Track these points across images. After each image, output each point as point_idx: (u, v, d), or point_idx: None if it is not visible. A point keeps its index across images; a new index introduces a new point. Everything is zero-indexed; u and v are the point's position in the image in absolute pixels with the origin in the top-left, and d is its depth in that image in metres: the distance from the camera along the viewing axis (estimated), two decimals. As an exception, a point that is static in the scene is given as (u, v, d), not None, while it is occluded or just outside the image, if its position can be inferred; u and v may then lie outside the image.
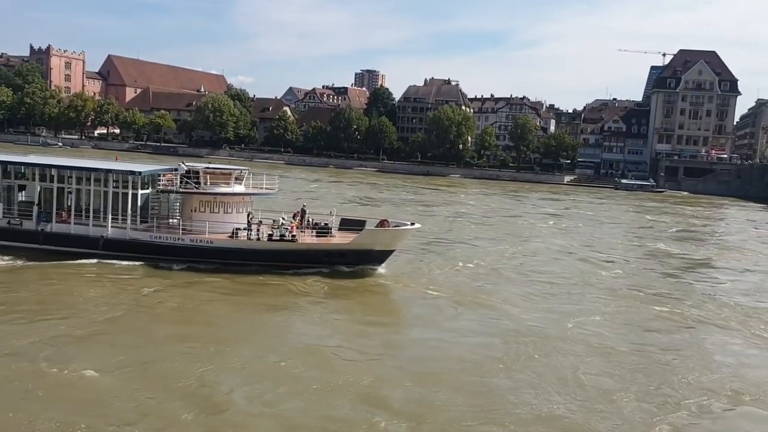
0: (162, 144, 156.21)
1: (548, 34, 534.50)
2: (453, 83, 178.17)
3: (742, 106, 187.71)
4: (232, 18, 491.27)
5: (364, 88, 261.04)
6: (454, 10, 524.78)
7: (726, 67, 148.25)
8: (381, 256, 31.04)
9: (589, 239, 50.32)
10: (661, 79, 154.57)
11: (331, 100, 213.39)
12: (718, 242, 55.70)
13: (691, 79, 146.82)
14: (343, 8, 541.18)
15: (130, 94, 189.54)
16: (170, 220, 32.38)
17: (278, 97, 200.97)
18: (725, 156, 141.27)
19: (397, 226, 31.60)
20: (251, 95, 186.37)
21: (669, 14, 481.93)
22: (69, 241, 29.87)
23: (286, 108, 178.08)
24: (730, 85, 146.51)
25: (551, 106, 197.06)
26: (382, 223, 31.26)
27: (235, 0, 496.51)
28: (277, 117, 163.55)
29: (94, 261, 28.97)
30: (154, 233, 30.25)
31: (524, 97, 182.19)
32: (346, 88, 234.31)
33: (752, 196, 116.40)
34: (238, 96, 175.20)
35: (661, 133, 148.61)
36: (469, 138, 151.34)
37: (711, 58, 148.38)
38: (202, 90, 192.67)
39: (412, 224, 32.39)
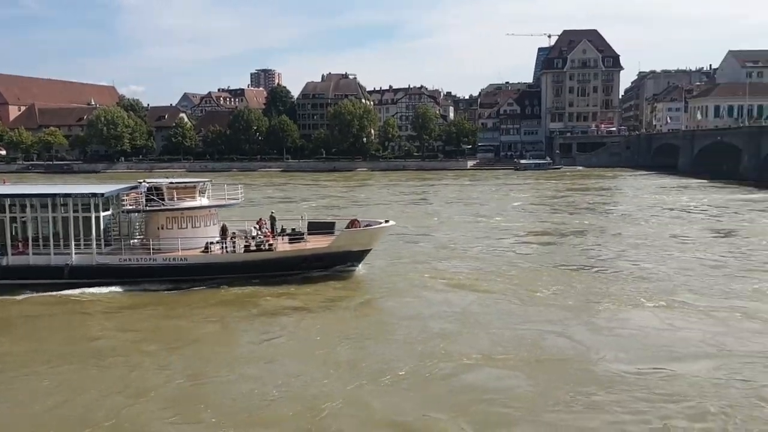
0: (54, 162, 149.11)
1: (440, 24, 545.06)
2: (351, 77, 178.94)
3: (626, 80, 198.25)
4: (119, 27, 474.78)
5: (261, 89, 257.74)
6: (343, 5, 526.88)
7: (608, 44, 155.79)
8: (359, 257, 30.97)
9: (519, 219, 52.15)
10: (548, 60, 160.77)
11: (228, 103, 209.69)
12: (615, 209, 58.94)
13: (577, 57, 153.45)
14: (232, 11, 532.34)
15: (13, 112, 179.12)
16: (132, 241, 31.18)
17: (173, 105, 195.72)
18: (614, 129, 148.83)
19: (369, 225, 31.49)
20: (145, 104, 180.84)
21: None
22: (30, 273, 28.10)
23: (182, 115, 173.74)
24: (613, 61, 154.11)
25: (449, 94, 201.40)
26: (353, 223, 30.99)
27: (120, 9, 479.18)
28: (174, 124, 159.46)
29: (61, 291, 27.21)
30: (123, 255, 29.05)
31: (422, 87, 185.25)
32: (243, 89, 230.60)
33: (641, 165, 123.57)
34: (132, 106, 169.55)
35: (554, 112, 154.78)
36: (372, 131, 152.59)
37: (593, 37, 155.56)
38: (93, 103, 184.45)
39: (387, 222, 32.34)
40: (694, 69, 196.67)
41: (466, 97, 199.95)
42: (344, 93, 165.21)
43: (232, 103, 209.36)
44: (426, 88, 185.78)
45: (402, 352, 20.24)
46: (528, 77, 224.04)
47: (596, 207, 62.30)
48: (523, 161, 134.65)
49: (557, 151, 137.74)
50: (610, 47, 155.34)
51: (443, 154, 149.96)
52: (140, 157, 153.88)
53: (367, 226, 31.17)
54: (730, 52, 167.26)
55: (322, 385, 17.69)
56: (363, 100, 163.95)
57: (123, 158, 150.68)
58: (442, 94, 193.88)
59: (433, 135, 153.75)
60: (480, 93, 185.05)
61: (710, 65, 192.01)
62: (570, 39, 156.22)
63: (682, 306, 25.03)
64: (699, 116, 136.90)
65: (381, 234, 32.13)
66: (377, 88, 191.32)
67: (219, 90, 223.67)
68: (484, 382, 17.91)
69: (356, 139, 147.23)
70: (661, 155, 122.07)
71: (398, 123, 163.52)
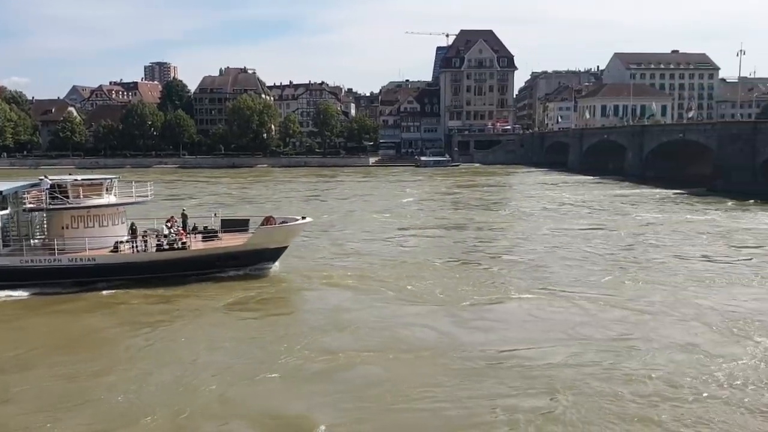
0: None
1: (340, 20, 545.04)
2: (250, 72, 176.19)
3: (520, 80, 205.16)
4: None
5: (155, 82, 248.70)
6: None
7: (502, 44, 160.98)
8: (275, 255, 30.19)
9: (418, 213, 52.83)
10: (446, 59, 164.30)
11: (120, 97, 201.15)
12: (503, 204, 61.15)
13: (473, 57, 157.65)
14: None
15: None
16: (32, 241, 29.04)
17: (61, 98, 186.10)
18: (509, 127, 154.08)
19: (285, 222, 30.76)
20: (29, 97, 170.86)
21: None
22: None
23: (71, 108, 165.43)
24: (507, 61, 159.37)
25: (350, 91, 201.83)
26: (268, 221, 30.21)
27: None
28: (62, 119, 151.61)
29: None
30: (25, 257, 27.00)
31: (323, 83, 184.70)
32: (136, 82, 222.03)
33: (535, 162, 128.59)
34: (14, 99, 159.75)
35: (452, 111, 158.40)
36: (273, 126, 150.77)
37: (489, 37, 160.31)
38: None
39: (303, 218, 31.70)
40: (583, 70, 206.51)
41: (368, 94, 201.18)
42: (243, 88, 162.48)
43: (125, 96, 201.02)
44: (327, 84, 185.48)
45: (282, 350, 20.13)
46: (428, 75, 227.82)
47: (486, 202, 64.20)
48: (423, 158, 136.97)
49: (456, 149, 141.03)
50: (504, 48, 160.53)
51: (345, 150, 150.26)
52: (25, 153, 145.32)
53: (282, 223, 30.57)
54: (615, 54, 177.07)
55: (194, 386, 17.36)
56: (263, 96, 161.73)
57: (5, 154, 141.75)
58: (343, 90, 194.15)
59: (334, 131, 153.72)
60: (381, 90, 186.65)
61: (597, 66, 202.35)
62: (467, 39, 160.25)
63: (549, 296, 25.97)
64: (587, 115, 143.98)
65: (298, 231, 31.71)
66: (277, 84, 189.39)
67: (111, 83, 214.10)
68: (348, 377, 17.95)
69: (256, 135, 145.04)
70: (553, 153, 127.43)
71: (299, 119, 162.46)
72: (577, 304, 24.60)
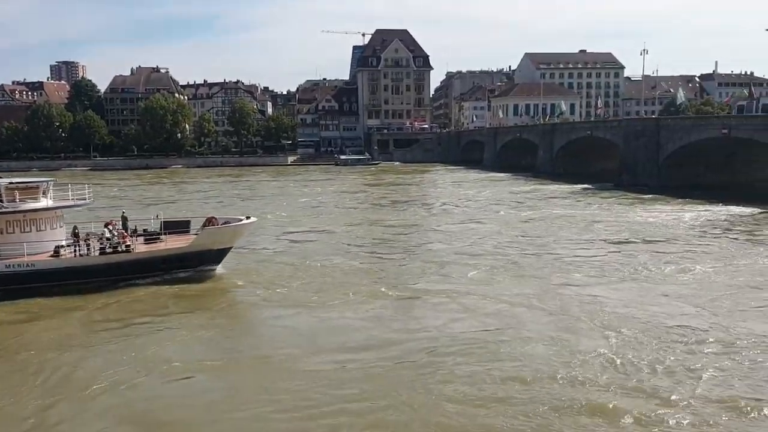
0: None
1: (257, 18, 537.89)
2: (163, 71, 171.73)
3: (436, 79, 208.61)
4: None
5: (63, 82, 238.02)
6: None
7: (418, 44, 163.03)
8: (219, 256, 29.61)
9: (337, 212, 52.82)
10: (363, 58, 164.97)
11: (24, 97, 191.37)
12: (412, 201, 62.24)
13: (390, 56, 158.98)
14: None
15: None
16: None
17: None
18: (427, 126, 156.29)
19: (227, 223, 30.14)
20: None
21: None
22: None
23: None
24: (423, 61, 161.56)
25: (266, 89, 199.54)
26: (210, 221, 29.72)
27: None
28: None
29: None
30: None
31: (238, 81, 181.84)
32: (42, 82, 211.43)
33: (452, 160, 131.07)
34: None
35: (370, 109, 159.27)
36: (187, 126, 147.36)
37: (404, 37, 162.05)
38: None
39: (248, 218, 31.10)
40: (496, 70, 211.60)
41: (285, 92, 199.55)
42: (156, 87, 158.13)
43: (30, 97, 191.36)
44: (243, 83, 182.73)
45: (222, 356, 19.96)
46: (345, 74, 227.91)
47: (400, 200, 64.59)
48: (342, 157, 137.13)
49: (376, 147, 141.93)
50: (420, 47, 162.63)
51: (263, 149, 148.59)
52: None
53: (225, 223, 30.11)
54: (526, 54, 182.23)
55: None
56: (176, 95, 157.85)
57: None
58: (259, 88, 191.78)
59: (251, 130, 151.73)
60: (298, 89, 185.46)
61: (510, 66, 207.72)
62: (383, 38, 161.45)
63: (430, 293, 26.16)
64: (501, 114, 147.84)
65: (243, 231, 31.21)
66: (191, 83, 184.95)
67: (14, 83, 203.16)
68: (182, 387, 17.58)
69: (170, 135, 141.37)
70: (469, 151, 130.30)
71: (215, 118, 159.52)
72: (456, 300, 24.85)
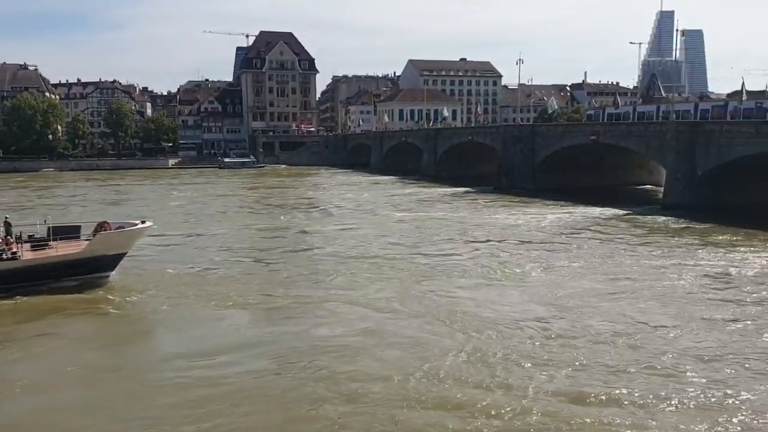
0: None
1: (135, 16, 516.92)
2: (31, 68, 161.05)
3: (322, 83, 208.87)
4: None
5: None
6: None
7: (303, 47, 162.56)
8: (114, 261, 28.19)
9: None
10: (247, 59, 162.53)
11: None
12: (289, 203, 62.44)
13: (274, 59, 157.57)
14: None
15: None
16: None
17: None
18: (313, 129, 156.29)
19: (121, 227, 28.60)
20: None
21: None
22: None
23: None
24: (309, 64, 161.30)
25: (145, 89, 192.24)
26: (102, 226, 28.18)
27: None
28: None
29: None
30: None
31: (115, 81, 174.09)
32: None
33: (339, 163, 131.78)
34: None
35: (255, 112, 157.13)
36: (59, 127, 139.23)
37: (289, 39, 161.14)
38: None
39: (143, 222, 29.62)
40: (381, 75, 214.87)
41: (165, 93, 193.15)
42: (24, 85, 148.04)
43: None
44: (120, 83, 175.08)
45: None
46: (228, 75, 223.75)
47: (281, 202, 64.81)
48: (227, 159, 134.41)
49: (261, 150, 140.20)
50: (305, 50, 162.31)
51: (142, 152, 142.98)
52: None
53: (119, 228, 28.73)
54: (410, 60, 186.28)
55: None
56: (47, 94, 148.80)
57: None
58: (138, 89, 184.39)
59: (129, 132, 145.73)
60: (179, 89, 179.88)
61: (394, 72, 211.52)
62: (267, 40, 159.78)
63: (282, 304, 25.79)
64: (386, 119, 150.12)
65: (139, 236, 30.04)
66: (64, 81, 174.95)
67: None
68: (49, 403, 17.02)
69: (40, 137, 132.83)
70: (356, 154, 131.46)
71: (90, 119, 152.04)
72: (322, 306, 24.98)
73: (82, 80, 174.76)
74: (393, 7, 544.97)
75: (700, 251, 35.08)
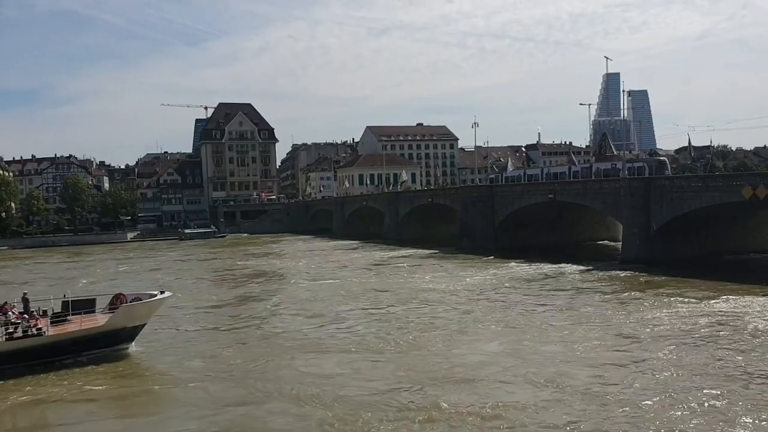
0: None
1: (85, 91, 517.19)
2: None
3: (282, 151, 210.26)
4: None
5: None
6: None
7: (262, 117, 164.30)
8: (133, 333, 28.28)
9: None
10: (206, 131, 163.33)
11: None
12: (248, 271, 61.90)
13: (234, 129, 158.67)
14: None
15: None
16: None
17: None
18: (274, 197, 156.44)
19: (138, 299, 28.59)
20: None
21: (205, 71, 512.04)
22: None
23: None
24: (268, 134, 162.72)
25: (102, 163, 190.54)
26: (119, 298, 28.43)
27: None
28: None
29: None
30: None
31: (71, 156, 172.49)
32: None
33: (301, 230, 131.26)
34: None
35: (215, 182, 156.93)
36: (13, 204, 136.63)
37: (248, 110, 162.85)
38: None
39: (162, 293, 29.77)
40: (340, 142, 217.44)
41: (122, 166, 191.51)
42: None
43: None
44: (76, 158, 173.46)
45: None
46: (187, 147, 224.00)
47: (242, 272, 63.69)
48: (187, 231, 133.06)
49: (222, 220, 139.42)
50: (264, 120, 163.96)
51: (100, 226, 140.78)
52: None
53: (135, 299, 28.77)
54: (368, 127, 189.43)
55: None
56: (1, 172, 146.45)
57: None
58: (94, 163, 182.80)
59: (86, 207, 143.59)
60: (138, 162, 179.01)
61: (353, 138, 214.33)
62: (226, 111, 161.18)
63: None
64: (347, 184, 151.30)
65: (158, 307, 30.12)
66: (17, 158, 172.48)
67: None
68: None
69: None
70: (318, 220, 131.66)
71: (45, 195, 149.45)
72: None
73: (37, 156, 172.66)
74: (348, 77, 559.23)
75: (651, 305, 35.73)
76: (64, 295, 29.93)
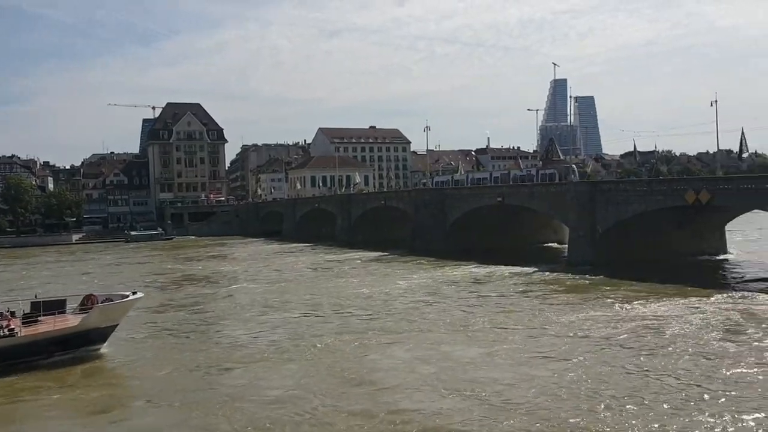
0: None
1: (30, 90, 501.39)
2: None
3: (231, 152, 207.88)
4: None
5: None
6: None
7: (211, 117, 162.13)
8: (106, 334, 28.21)
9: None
10: (154, 131, 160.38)
11: None
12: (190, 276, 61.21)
13: (182, 129, 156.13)
14: None
15: None
16: None
17: None
18: (223, 198, 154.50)
19: (109, 299, 28.59)
20: None
21: (156, 70, 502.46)
22: None
23: None
24: (217, 134, 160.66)
25: (46, 164, 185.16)
26: (90, 299, 28.45)
27: None
28: None
29: None
30: None
31: (13, 156, 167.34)
32: None
33: (251, 232, 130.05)
34: None
35: (162, 183, 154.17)
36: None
37: (197, 110, 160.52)
38: None
39: (134, 293, 29.84)
40: (291, 143, 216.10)
41: (68, 167, 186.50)
42: None
43: None
44: (18, 158, 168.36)
45: None
46: (133, 148, 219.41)
47: (184, 276, 62.18)
48: (134, 233, 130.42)
49: (170, 222, 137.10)
50: (213, 120, 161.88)
51: (43, 228, 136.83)
52: None
53: (106, 300, 28.76)
54: (320, 129, 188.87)
55: None
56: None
57: None
58: (38, 163, 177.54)
59: (30, 208, 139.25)
60: (83, 163, 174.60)
61: (305, 140, 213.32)
62: (174, 111, 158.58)
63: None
64: (299, 186, 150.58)
65: (131, 308, 30.27)
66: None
67: None
68: None
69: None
70: (269, 222, 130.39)
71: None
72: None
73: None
74: (299, 78, 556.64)
75: (592, 306, 36.72)
76: (35, 296, 30.22)
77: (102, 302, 28.62)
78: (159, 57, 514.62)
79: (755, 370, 23.32)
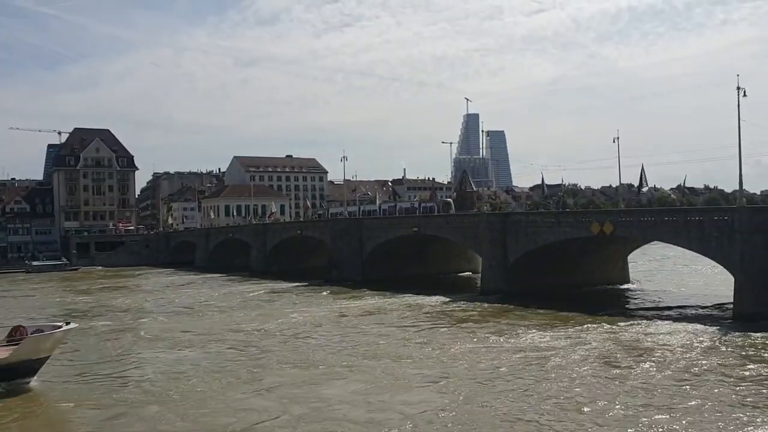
0: None
1: None
2: None
3: (142, 179, 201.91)
4: None
5: None
6: None
7: (121, 143, 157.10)
8: (37, 367, 26.58)
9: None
10: (60, 157, 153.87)
11: None
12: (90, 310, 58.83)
13: (90, 156, 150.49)
14: None
15: None
16: None
17: None
18: (132, 228, 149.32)
19: (40, 330, 26.88)
20: None
21: (61, 95, 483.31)
22: None
23: None
24: (127, 161, 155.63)
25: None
26: (18, 330, 26.93)
27: None
28: None
29: None
30: None
31: None
32: None
33: (162, 262, 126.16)
34: None
35: (68, 211, 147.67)
36: None
37: (106, 136, 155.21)
38: None
39: (67, 324, 28.22)
40: (205, 172, 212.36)
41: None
42: None
43: None
44: None
45: None
46: (37, 174, 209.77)
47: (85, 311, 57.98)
48: (35, 263, 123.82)
49: (74, 251, 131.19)
50: (123, 147, 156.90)
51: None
52: None
53: (37, 331, 27.08)
54: (235, 157, 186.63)
55: None
56: None
57: None
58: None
59: None
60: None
61: (219, 168, 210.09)
62: (82, 137, 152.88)
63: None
64: (212, 215, 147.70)
65: (63, 339, 29.04)
66: None
67: None
68: None
69: None
70: (180, 252, 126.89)
71: None
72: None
73: None
74: (215, 106, 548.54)
75: (500, 333, 37.98)
76: None
77: (32, 333, 27.20)
78: (66, 81, 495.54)
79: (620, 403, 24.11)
